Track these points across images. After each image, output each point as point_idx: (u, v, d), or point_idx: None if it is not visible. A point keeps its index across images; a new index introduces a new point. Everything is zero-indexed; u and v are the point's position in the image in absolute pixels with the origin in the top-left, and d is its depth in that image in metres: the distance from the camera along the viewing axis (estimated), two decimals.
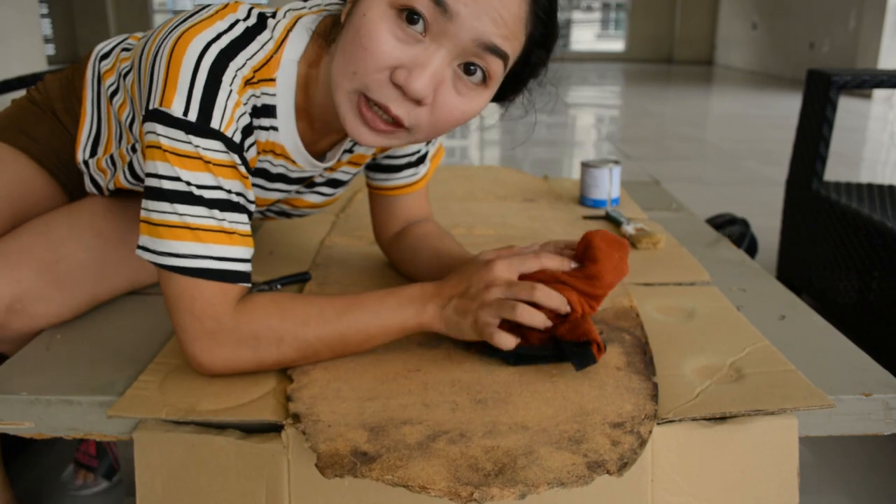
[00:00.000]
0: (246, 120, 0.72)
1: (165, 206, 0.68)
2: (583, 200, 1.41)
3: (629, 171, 3.42)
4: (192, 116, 0.67)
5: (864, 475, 1.20)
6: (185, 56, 0.67)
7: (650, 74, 9.26)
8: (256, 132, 0.77)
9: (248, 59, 0.71)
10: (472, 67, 0.66)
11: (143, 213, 0.70)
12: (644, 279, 1.00)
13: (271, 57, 0.73)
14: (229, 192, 0.70)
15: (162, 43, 0.69)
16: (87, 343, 0.83)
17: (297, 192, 0.94)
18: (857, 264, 1.57)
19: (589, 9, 17.86)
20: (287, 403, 0.68)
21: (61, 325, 0.87)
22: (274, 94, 0.75)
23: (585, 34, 17.23)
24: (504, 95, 0.78)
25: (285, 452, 0.65)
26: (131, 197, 0.98)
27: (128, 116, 0.87)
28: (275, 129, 0.78)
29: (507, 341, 0.71)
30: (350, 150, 0.91)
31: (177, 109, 0.66)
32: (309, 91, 0.77)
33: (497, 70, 0.67)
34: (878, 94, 6.43)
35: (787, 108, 5.93)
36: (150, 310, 0.91)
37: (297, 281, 0.99)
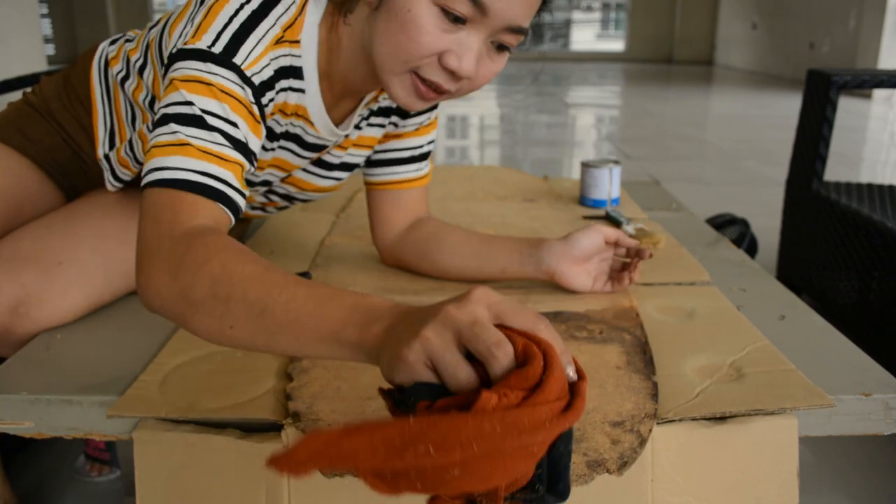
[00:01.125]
0: (269, 73, 0.73)
1: (165, 128, 0.66)
2: (583, 200, 1.41)
3: (629, 171, 3.42)
4: (217, 49, 0.68)
5: (864, 475, 1.20)
6: (225, 8, 0.70)
7: (650, 74, 9.26)
8: (285, 94, 0.78)
9: (277, 19, 0.73)
10: (503, 47, 0.74)
11: (147, 146, 0.68)
12: (644, 279, 1.00)
13: (296, 19, 0.75)
14: (234, 124, 0.68)
15: (198, 6, 0.72)
16: (87, 343, 0.83)
17: (305, 169, 0.94)
18: (857, 264, 1.57)
19: (589, 9, 17.86)
20: (287, 402, 0.68)
21: (61, 326, 0.87)
22: (300, 56, 0.77)
23: (585, 34, 17.22)
24: None
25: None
26: (131, 196, 0.98)
27: (145, 97, 0.89)
28: (302, 91, 0.80)
29: (463, 370, 0.45)
30: (359, 127, 0.92)
31: (202, 44, 0.68)
32: (331, 56, 0.79)
33: (519, 39, 0.74)
34: (878, 94, 6.43)
35: (787, 108, 5.93)
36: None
37: None
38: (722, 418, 0.68)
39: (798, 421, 0.68)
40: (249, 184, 0.91)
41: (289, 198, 1.00)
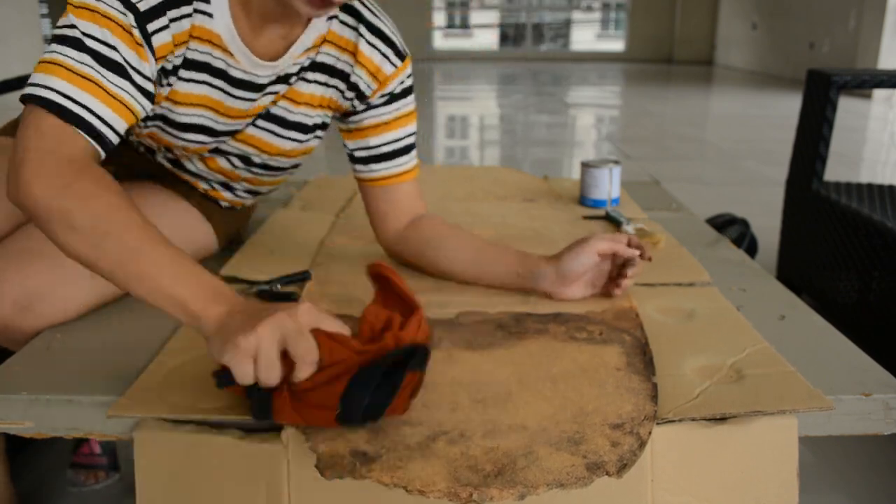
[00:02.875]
0: (155, 1, 0.77)
1: (55, 47, 0.73)
2: (583, 200, 1.41)
3: (629, 171, 3.42)
4: None
5: (864, 475, 1.20)
6: None
7: (650, 74, 9.25)
8: (190, 18, 0.80)
9: None
10: None
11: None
12: (644, 279, 0.99)
13: None
14: (113, 48, 0.74)
15: None
16: (87, 343, 0.83)
17: (256, 125, 0.94)
18: (857, 264, 1.57)
19: (589, 9, 17.83)
20: None
21: (61, 325, 0.87)
22: None
23: (585, 34, 17.18)
24: None
25: (285, 452, 0.65)
26: (139, 195, 0.98)
27: None
28: (209, 14, 0.82)
29: (244, 377, 0.60)
30: (305, 80, 0.92)
31: None
32: None
33: None
34: (878, 94, 6.42)
35: (787, 108, 5.93)
36: (150, 309, 0.91)
37: (298, 280, 0.99)
38: (722, 419, 0.68)
39: (798, 421, 0.68)
40: (192, 129, 0.91)
41: (247, 160, 1.00)
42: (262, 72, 0.88)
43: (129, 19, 0.75)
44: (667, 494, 0.66)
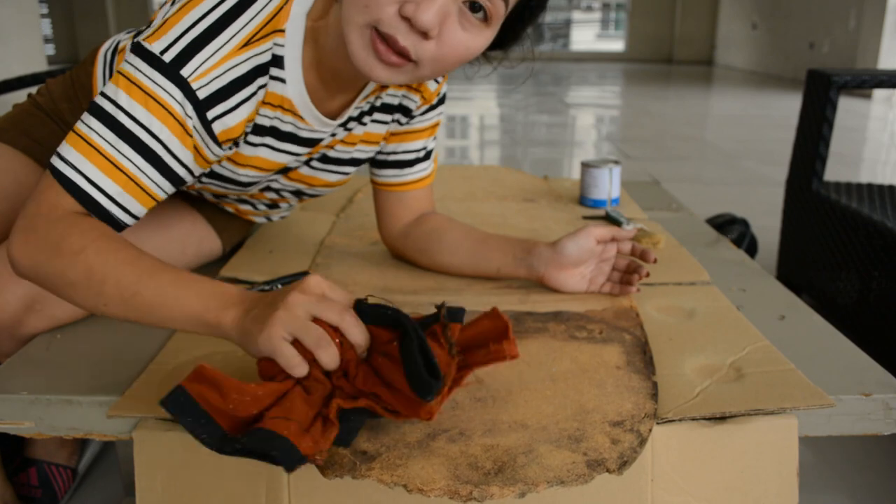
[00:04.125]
0: (225, 81, 0.73)
1: (89, 120, 0.69)
2: (583, 200, 1.41)
3: (629, 171, 3.42)
4: (168, 57, 0.69)
5: (864, 475, 1.20)
6: (194, 10, 0.70)
7: (650, 74, 9.25)
8: (262, 88, 0.77)
9: (256, 14, 0.73)
10: (476, 5, 0.69)
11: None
12: (644, 279, 0.99)
13: (281, 8, 0.75)
14: (155, 137, 0.70)
15: (173, 3, 0.72)
16: (87, 343, 0.83)
17: (311, 165, 0.94)
18: (857, 264, 1.57)
19: (589, 9, 17.84)
20: None
21: (61, 325, 0.87)
22: (283, 45, 0.76)
23: (585, 34, 17.19)
24: (504, 42, 0.79)
25: None
26: None
27: None
28: (282, 80, 0.78)
29: (292, 359, 0.60)
30: (363, 123, 0.92)
31: (157, 47, 0.69)
32: (319, 42, 0.78)
33: (500, 9, 0.70)
34: (878, 94, 6.42)
35: (787, 108, 5.93)
36: None
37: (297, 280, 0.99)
38: (722, 418, 0.68)
39: (798, 421, 0.68)
40: (243, 185, 0.92)
41: (299, 193, 1.01)
42: (329, 129, 0.87)
43: (186, 109, 0.71)
44: (666, 494, 0.66)
